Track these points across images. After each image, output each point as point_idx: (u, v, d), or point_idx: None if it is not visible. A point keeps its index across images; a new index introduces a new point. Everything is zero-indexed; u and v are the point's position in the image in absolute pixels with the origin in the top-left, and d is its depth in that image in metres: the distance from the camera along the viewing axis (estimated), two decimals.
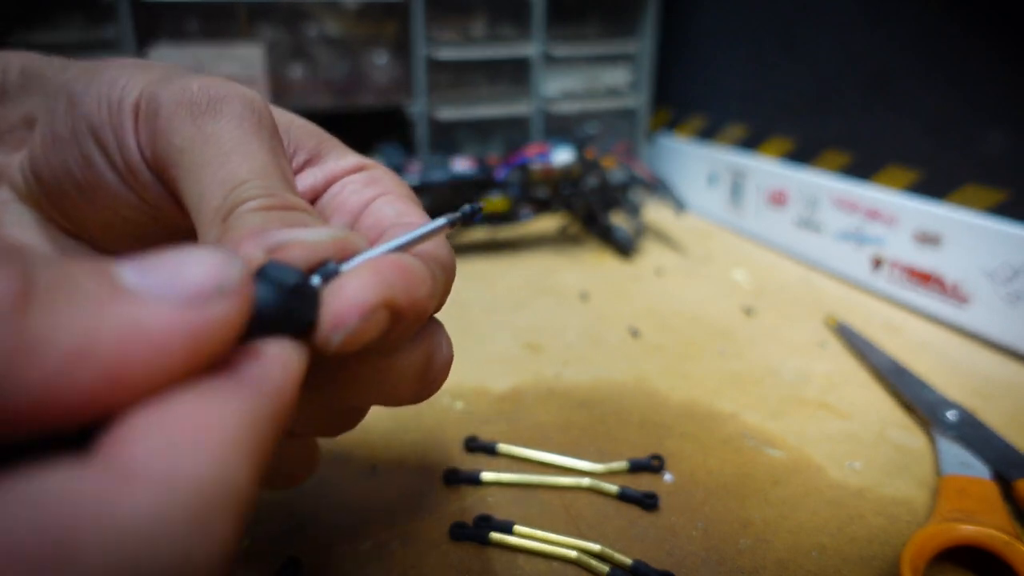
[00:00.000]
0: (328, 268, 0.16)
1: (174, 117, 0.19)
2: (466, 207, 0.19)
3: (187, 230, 0.21)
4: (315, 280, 0.16)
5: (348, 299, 0.15)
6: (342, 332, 0.15)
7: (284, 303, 0.15)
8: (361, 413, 0.23)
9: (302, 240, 0.16)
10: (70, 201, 0.21)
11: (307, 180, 0.23)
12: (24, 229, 0.22)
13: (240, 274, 0.12)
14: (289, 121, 0.23)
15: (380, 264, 0.16)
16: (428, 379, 0.20)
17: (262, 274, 0.15)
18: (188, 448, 0.11)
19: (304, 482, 0.24)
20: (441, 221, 0.19)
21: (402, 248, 0.18)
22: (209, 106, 0.19)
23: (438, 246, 0.20)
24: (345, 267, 0.16)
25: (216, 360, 0.12)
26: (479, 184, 0.61)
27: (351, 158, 0.24)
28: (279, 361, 0.14)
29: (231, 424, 0.12)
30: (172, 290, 0.12)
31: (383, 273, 0.16)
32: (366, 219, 0.22)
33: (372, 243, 0.20)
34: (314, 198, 0.23)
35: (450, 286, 0.21)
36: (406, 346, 0.19)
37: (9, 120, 0.23)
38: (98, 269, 0.11)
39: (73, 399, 0.10)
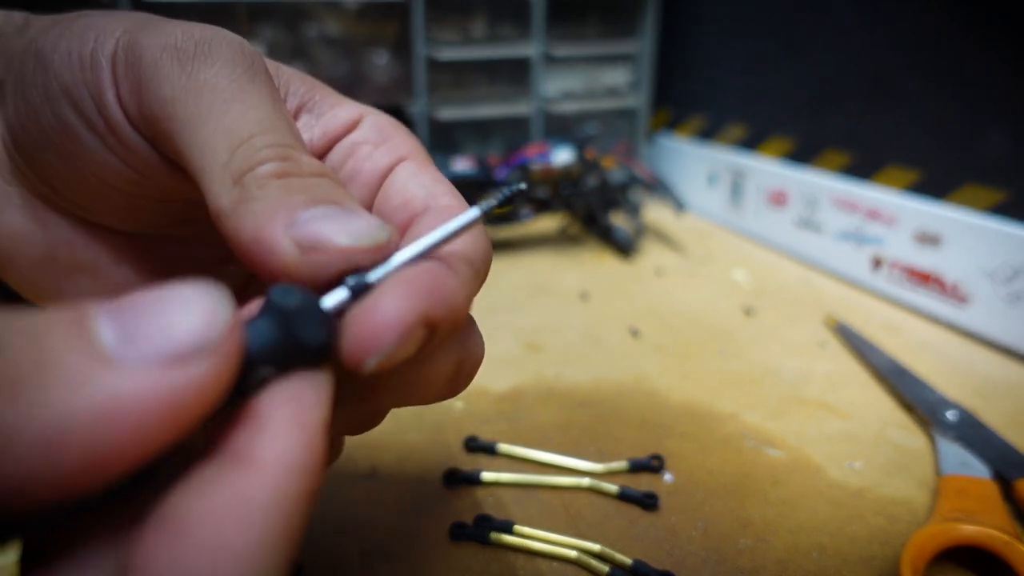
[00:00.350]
0: (358, 282, 0.15)
1: (159, 66, 0.17)
2: (506, 189, 0.18)
3: (179, 196, 0.20)
4: (332, 301, 0.15)
5: (382, 321, 0.14)
6: (376, 356, 0.14)
7: (289, 338, 0.14)
8: (384, 413, 0.22)
9: (337, 246, 0.15)
10: (54, 171, 0.20)
11: (304, 132, 0.21)
12: (9, 212, 0.21)
13: (224, 326, 0.12)
14: (276, 66, 0.21)
15: (415, 278, 0.15)
16: (459, 381, 0.20)
17: (268, 303, 0.14)
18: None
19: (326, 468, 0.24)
20: (475, 212, 0.17)
21: (435, 247, 0.17)
22: (197, 51, 0.18)
23: (475, 240, 0.18)
24: (374, 275, 0.15)
25: (208, 411, 0.12)
26: (479, 184, 0.61)
27: (348, 106, 0.22)
28: (288, 424, 0.13)
29: (246, 537, 0.11)
30: (151, 351, 0.11)
31: (418, 288, 0.15)
32: (391, 197, 0.20)
33: (403, 230, 0.19)
34: (319, 155, 0.21)
35: (484, 279, 0.19)
36: (439, 353, 0.18)
37: None
38: (75, 330, 0.11)
39: (54, 480, 0.10)
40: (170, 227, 0.23)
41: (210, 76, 0.17)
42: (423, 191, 0.20)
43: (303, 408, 0.13)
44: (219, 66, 0.18)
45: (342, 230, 0.15)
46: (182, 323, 0.11)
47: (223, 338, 0.11)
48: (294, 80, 0.22)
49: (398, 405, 0.19)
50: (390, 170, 0.21)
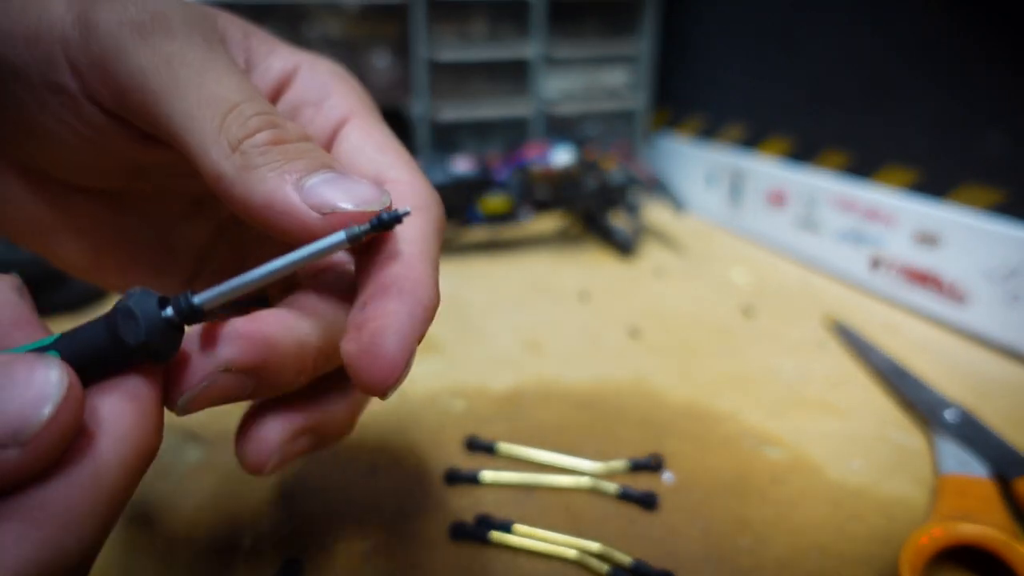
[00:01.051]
0: (187, 303, 0.16)
1: (120, 40, 0.18)
2: (384, 213, 0.17)
3: (145, 160, 0.21)
4: (168, 312, 0.16)
5: (192, 368, 0.16)
6: (185, 397, 0.16)
7: (113, 338, 0.15)
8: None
9: (350, 211, 0.17)
10: (24, 148, 0.20)
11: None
12: (2, 180, 0.21)
13: (48, 413, 0.13)
14: (214, 14, 0.21)
15: (233, 331, 0.17)
16: (356, 414, 0.22)
17: (118, 308, 0.15)
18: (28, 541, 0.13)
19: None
20: (340, 236, 0.16)
21: (288, 269, 0.16)
22: (155, 24, 0.18)
23: (427, 225, 0.19)
24: (198, 298, 0.16)
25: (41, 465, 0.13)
26: (479, 184, 0.61)
27: (282, 54, 0.22)
28: (117, 421, 0.15)
29: (60, 513, 0.13)
30: None
31: (233, 339, 0.17)
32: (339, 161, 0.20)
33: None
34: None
35: (427, 312, 0.19)
36: (333, 398, 0.21)
37: None
38: None
39: None
40: (137, 186, 0.23)
41: (175, 48, 0.18)
42: (371, 165, 0.21)
43: (122, 411, 0.15)
44: (180, 37, 0.18)
45: (348, 196, 0.17)
46: (5, 410, 0.13)
47: (35, 433, 0.13)
48: (230, 28, 0.21)
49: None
50: (335, 135, 0.22)
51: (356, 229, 0.16)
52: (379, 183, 0.19)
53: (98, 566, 0.27)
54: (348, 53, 0.68)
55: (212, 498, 0.31)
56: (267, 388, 0.18)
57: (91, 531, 0.14)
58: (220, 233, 0.25)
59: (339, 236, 0.16)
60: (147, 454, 0.15)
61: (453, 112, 0.71)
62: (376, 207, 0.17)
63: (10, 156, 0.21)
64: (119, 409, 0.15)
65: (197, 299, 0.16)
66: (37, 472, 0.13)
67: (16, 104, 0.19)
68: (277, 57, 0.22)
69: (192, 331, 0.17)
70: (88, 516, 0.14)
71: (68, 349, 0.15)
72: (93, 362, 0.15)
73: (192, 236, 0.25)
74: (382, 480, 0.32)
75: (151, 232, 0.24)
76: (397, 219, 0.17)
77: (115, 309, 0.15)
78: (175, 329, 0.16)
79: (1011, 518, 0.28)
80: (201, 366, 0.16)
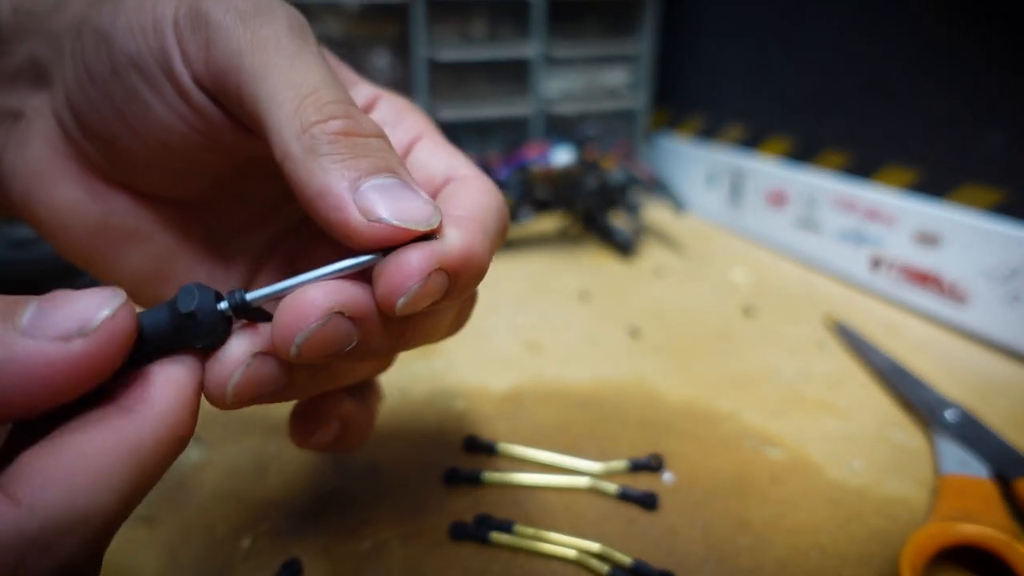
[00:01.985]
0: (239, 300, 0.17)
1: (224, 24, 0.19)
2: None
3: (240, 155, 0.22)
4: (223, 305, 0.17)
5: (409, 267, 0.17)
6: (404, 297, 0.17)
7: (177, 332, 0.17)
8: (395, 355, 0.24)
9: (397, 226, 0.17)
10: (117, 141, 0.21)
11: None
12: (65, 184, 0.22)
13: (103, 320, 0.15)
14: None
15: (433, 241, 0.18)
16: (462, 318, 0.23)
17: (176, 297, 0.17)
18: (66, 484, 0.14)
19: (358, 447, 0.26)
20: (372, 257, 0.18)
21: (329, 276, 0.18)
22: (257, 12, 0.19)
23: (489, 202, 0.21)
24: (251, 295, 0.17)
25: (100, 379, 0.15)
26: None
27: (365, 87, 0.25)
28: (168, 386, 0.16)
29: (109, 459, 0.15)
30: (48, 330, 0.15)
31: (437, 244, 0.18)
32: (414, 173, 0.21)
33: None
34: None
35: (504, 236, 0.22)
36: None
37: (14, 63, 0.22)
38: (7, 313, 0.15)
39: None
40: (211, 194, 0.24)
41: (272, 32, 0.19)
42: (443, 165, 0.23)
43: (175, 380, 0.17)
44: (278, 25, 0.19)
45: (402, 209, 0.17)
46: (73, 313, 0.15)
47: (100, 327, 0.15)
48: (324, 53, 0.23)
49: (415, 345, 0.21)
50: (409, 148, 0.24)
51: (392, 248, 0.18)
52: (451, 174, 0.22)
53: None
54: (348, 53, 0.68)
55: (212, 498, 0.31)
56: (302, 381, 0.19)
57: (125, 493, 0.15)
58: (275, 246, 0.26)
59: (377, 256, 0.18)
60: (181, 438, 0.16)
61: (453, 112, 0.71)
62: (422, 227, 0.17)
63: (93, 160, 0.22)
64: (163, 391, 0.16)
65: (249, 296, 0.17)
66: (99, 370, 0.15)
67: (132, 96, 0.20)
68: (361, 87, 0.25)
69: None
70: (124, 476, 0.15)
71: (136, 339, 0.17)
72: (150, 345, 0.17)
73: (250, 248, 0.26)
74: (382, 480, 0.32)
75: (214, 243, 0.25)
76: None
77: (177, 303, 0.17)
78: (226, 322, 0.17)
79: (1011, 518, 0.28)
80: (240, 349, 0.17)
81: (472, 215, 0.20)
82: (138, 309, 0.17)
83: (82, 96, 0.21)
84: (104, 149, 0.22)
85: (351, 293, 0.17)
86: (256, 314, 0.18)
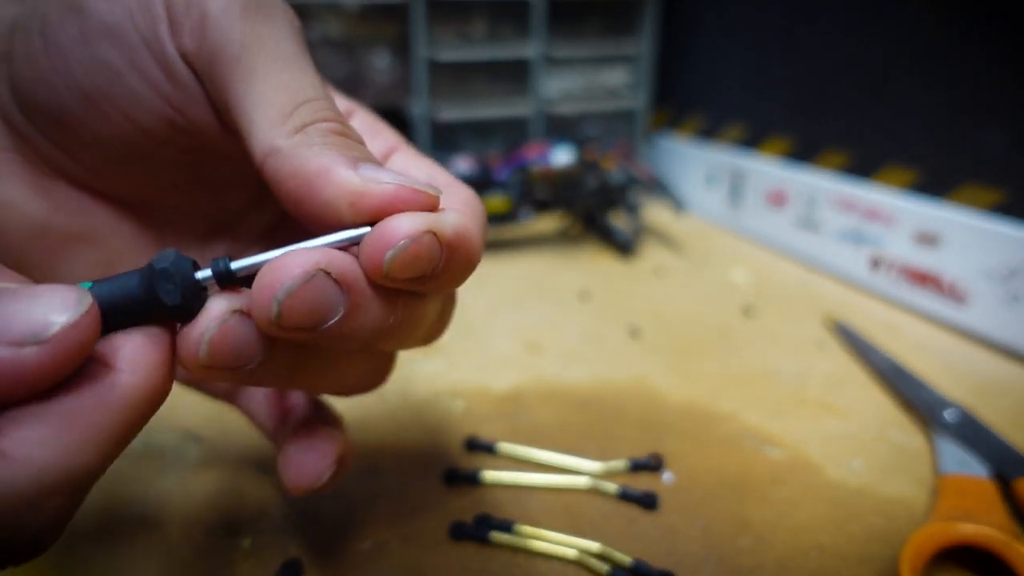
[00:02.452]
0: (223, 267, 0.17)
1: (224, 14, 0.19)
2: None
3: (202, 147, 0.21)
4: (203, 273, 0.17)
5: (399, 223, 0.17)
6: (393, 251, 0.16)
7: (149, 293, 0.16)
8: (388, 366, 0.24)
9: (397, 181, 0.17)
10: (73, 118, 0.20)
11: None
12: (6, 180, 0.21)
13: (65, 321, 0.14)
14: None
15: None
16: (442, 322, 0.22)
17: (150, 263, 0.16)
18: (59, 441, 0.14)
19: (374, 390, 0.24)
20: (364, 230, 0.18)
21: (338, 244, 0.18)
22: (259, 8, 0.19)
23: (478, 207, 0.21)
24: (236, 264, 0.17)
25: (56, 381, 0.15)
26: (479, 184, 0.61)
27: (342, 100, 0.24)
28: (137, 359, 0.16)
29: (94, 419, 0.15)
30: (3, 337, 0.14)
31: (431, 213, 0.17)
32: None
33: None
34: None
35: (485, 233, 0.22)
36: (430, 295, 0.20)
37: None
38: None
39: None
40: (166, 197, 0.23)
41: (272, 32, 0.19)
42: (423, 174, 0.23)
43: (144, 347, 0.16)
44: (278, 24, 0.19)
45: (402, 178, 0.17)
46: (29, 316, 0.14)
47: (57, 335, 0.14)
48: None
49: (398, 340, 0.21)
50: (386, 158, 0.24)
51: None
52: (431, 181, 0.21)
53: (98, 565, 0.27)
54: (348, 53, 0.68)
55: (212, 498, 0.31)
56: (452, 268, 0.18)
57: (106, 449, 0.15)
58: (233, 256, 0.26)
59: (366, 229, 0.17)
60: (160, 392, 0.16)
61: (453, 112, 0.71)
62: (428, 189, 0.17)
63: (38, 149, 0.21)
64: (139, 350, 0.16)
65: (234, 265, 0.17)
66: (53, 376, 0.14)
67: (103, 66, 0.19)
68: (337, 100, 0.24)
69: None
70: (106, 432, 0.15)
71: (100, 295, 0.16)
72: (122, 311, 0.16)
73: (204, 260, 0.25)
74: (382, 480, 0.32)
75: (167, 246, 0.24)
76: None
77: (152, 269, 0.16)
78: (203, 291, 0.17)
79: (1011, 518, 0.28)
80: (217, 308, 0.17)
81: (463, 207, 0.20)
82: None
83: (33, 71, 0.20)
84: (54, 131, 0.20)
85: (337, 256, 0.17)
86: (242, 283, 0.17)
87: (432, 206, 0.18)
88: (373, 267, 0.17)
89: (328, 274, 0.16)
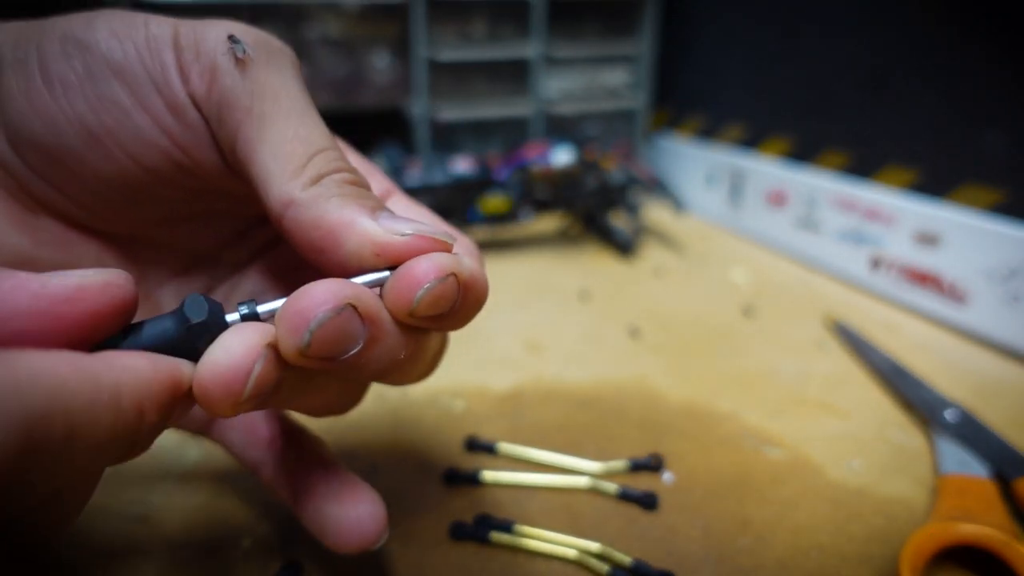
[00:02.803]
0: (249, 310, 0.18)
1: (230, 60, 0.19)
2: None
3: (206, 186, 0.21)
4: (233, 316, 0.17)
5: (428, 265, 0.18)
6: (422, 291, 0.18)
7: (185, 341, 0.17)
8: (364, 390, 0.24)
9: (418, 232, 0.18)
10: (71, 156, 0.20)
11: None
12: None
13: (99, 276, 0.16)
14: None
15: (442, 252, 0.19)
16: (437, 359, 0.23)
17: (181, 307, 0.17)
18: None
19: (346, 413, 0.24)
20: (384, 275, 0.19)
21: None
22: (267, 56, 0.20)
23: (477, 251, 0.23)
24: (261, 308, 0.18)
25: (84, 333, 0.16)
26: (479, 184, 0.61)
27: (352, 155, 0.25)
28: (129, 367, 0.15)
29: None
30: (39, 279, 0.15)
31: (449, 255, 0.19)
32: None
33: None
34: None
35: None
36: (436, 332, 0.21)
37: None
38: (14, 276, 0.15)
39: None
40: (156, 230, 0.23)
41: (281, 81, 0.20)
42: (425, 219, 0.23)
43: (145, 366, 0.16)
44: (287, 73, 0.20)
45: (422, 226, 0.18)
46: (69, 275, 0.16)
47: (91, 280, 0.15)
48: None
49: (400, 381, 0.22)
50: (385, 200, 0.24)
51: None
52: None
53: (98, 565, 0.27)
54: (348, 53, 0.68)
55: (212, 498, 0.31)
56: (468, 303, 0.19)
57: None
58: (211, 294, 0.26)
59: (386, 273, 0.18)
60: (129, 438, 0.15)
61: (453, 112, 0.71)
62: (446, 238, 0.19)
63: (26, 185, 0.21)
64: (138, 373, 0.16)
65: (260, 308, 0.18)
66: (80, 323, 0.15)
67: (109, 103, 0.19)
68: (351, 154, 0.25)
69: None
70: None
71: (136, 342, 0.17)
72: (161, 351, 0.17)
73: (181, 294, 0.25)
74: (382, 480, 0.32)
75: (145, 286, 0.24)
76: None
77: (187, 321, 0.17)
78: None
79: (1011, 518, 0.28)
80: (434, 267, 0.18)
81: (468, 251, 0.22)
82: None
83: (30, 106, 0.19)
84: (49, 167, 0.20)
85: (363, 292, 0.17)
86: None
87: (447, 252, 0.19)
88: (401, 305, 0.18)
89: (355, 308, 0.17)
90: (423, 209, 0.24)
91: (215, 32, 0.20)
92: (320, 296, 0.16)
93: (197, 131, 0.20)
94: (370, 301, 0.18)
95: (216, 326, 0.17)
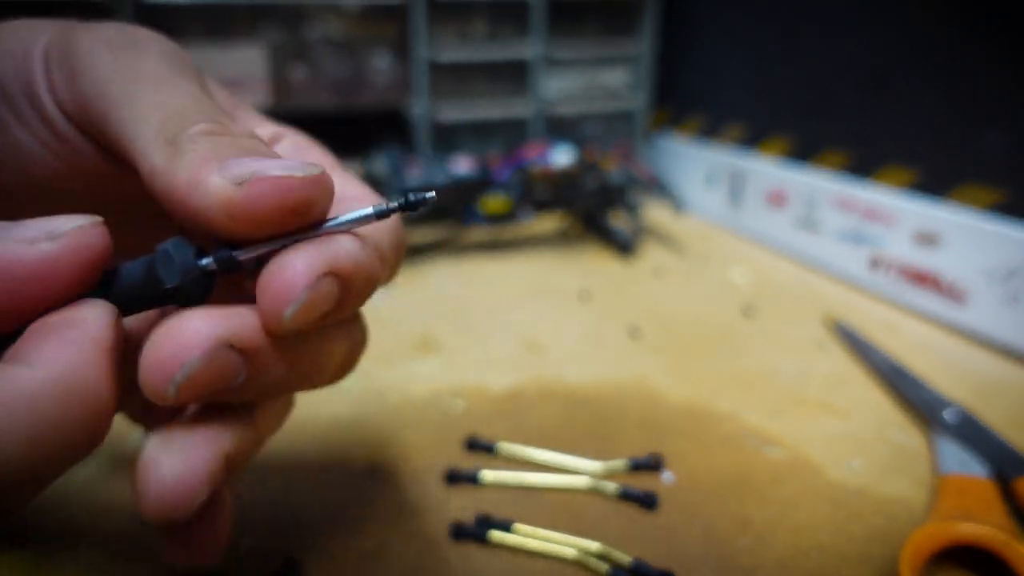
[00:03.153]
0: (225, 255, 0.16)
1: (92, 54, 0.18)
2: (412, 194, 0.17)
3: (106, 192, 0.21)
4: (206, 260, 0.17)
5: (293, 273, 0.16)
6: (293, 306, 0.16)
7: (151, 276, 0.16)
8: (287, 411, 0.23)
9: (271, 174, 0.16)
10: None
11: None
12: None
13: (74, 225, 0.15)
14: (204, 77, 0.22)
15: (321, 240, 0.16)
16: (349, 363, 0.21)
17: (157, 250, 0.16)
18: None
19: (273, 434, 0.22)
20: (368, 210, 0.17)
21: (313, 236, 0.17)
22: (130, 44, 0.19)
23: (388, 229, 0.20)
24: (240, 253, 0.16)
25: (65, 289, 0.15)
26: (479, 184, 0.61)
27: (269, 125, 0.24)
28: (64, 342, 0.15)
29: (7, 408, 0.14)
30: (13, 234, 0.15)
31: (323, 247, 0.16)
32: None
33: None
34: None
35: (396, 266, 0.21)
36: (337, 333, 0.19)
37: None
38: None
39: None
40: None
41: (142, 63, 0.19)
42: (352, 192, 0.21)
43: (77, 329, 0.15)
44: (150, 56, 0.19)
45: (274, 165, 0.16)
46: (44, 224, 0.15)
47: (67, 234, 0.15)
48: (219, 93, 0.23)
49: (300, 388, 0.20)
50: None
51: (384, 206, 0.17)
52: (341, 195, 0.20)
53: (96, 564, 0.27)
54: (348, 53, 0.68)
55: None
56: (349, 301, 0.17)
57: (19, 452, 0.13)
58: None
59: (367, 210, 0.17)
60: (74, 393, 0.14)
61: (453, 112, 0.71)
62: (302, 172, 0.16)
63: None
64: (55, 347, 0.15)
65: (237, 253, 0.17)
66: (64, 278, 0.15)
67: None
68: (265, 126, 0.23)
69: None
70: (18, 431, 0.13)
71: (111, 284, 0.17)
72: (128, 296, 0.17)
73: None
74: (382, 480, 0.32)
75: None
76: (423, 201, 0.17)
77: (154, 252, 0.16)
78: (208, 277, 0.17)
79: (1011, 518, 0.28)
80: (304, 270, 0.16)
81: (366, 230, 0.19)
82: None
83: None
84: None
85: (235, 321, 0.16)
86: (239, 269, 0.17)
87: (313, 187, 0.16)
88: (274, 325, 0.16)
89: (231, 346, 0.16)
90: (360, 184, 0.22)
91: (84, 35, 0.19)
92: (188, 339, 0.15)
93: (75, 143, 0.19)
94: (244, 332, 0.16)
95: (180, 258, 0.16)
